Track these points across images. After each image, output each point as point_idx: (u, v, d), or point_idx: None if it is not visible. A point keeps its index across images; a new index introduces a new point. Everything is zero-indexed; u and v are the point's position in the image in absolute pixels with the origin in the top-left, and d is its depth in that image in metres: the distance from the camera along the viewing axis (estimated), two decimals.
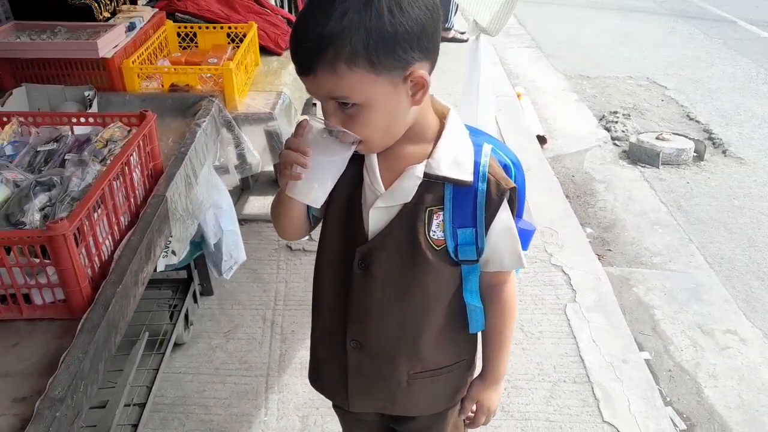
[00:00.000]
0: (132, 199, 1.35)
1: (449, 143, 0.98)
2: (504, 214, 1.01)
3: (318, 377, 1.26)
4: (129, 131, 1.43)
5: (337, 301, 1.10)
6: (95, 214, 1.16)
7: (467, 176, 0.97)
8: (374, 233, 1.02)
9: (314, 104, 3.64)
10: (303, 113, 3.25)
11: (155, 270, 1.64)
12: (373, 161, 0.99)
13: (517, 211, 1.05)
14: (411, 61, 0.87)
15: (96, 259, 1.17)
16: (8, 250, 1.04)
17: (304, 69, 0.88)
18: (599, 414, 1.98)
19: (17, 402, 0.94)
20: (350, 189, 1.01)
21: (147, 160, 1.44)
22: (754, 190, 3.58)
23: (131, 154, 1.32)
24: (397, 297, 1.05)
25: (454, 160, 0.98)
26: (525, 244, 1.13)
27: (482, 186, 0.98)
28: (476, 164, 0.98)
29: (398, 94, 0.89)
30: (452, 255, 1.01)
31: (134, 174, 1.36)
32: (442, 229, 0.99)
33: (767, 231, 3.18)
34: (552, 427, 1.93)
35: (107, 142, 1.37)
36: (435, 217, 0.99)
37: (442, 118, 1.01)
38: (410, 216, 0.99)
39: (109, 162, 1.30)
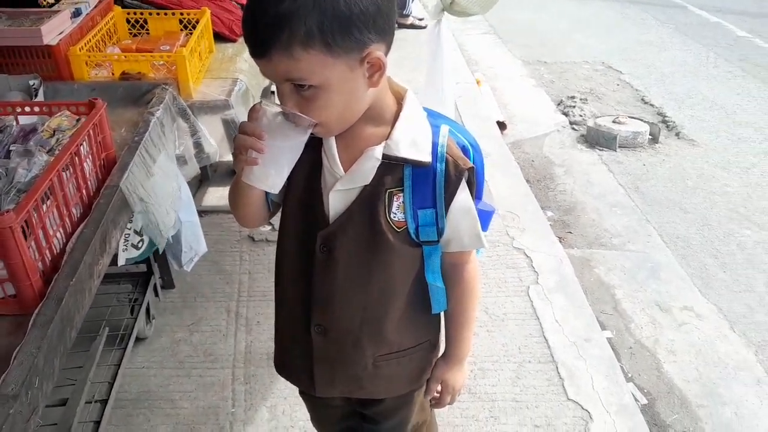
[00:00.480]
0: (84, 191, 1.30)
1: (407, 124, 0.98)
2: (463, 194, 1.01)
3: (284, 364, 1.25)
4: (78, 120, 1.38)
5: (300, 286, 1.09)
6: (44, 206, 1.12)
7: (425, 157, 0.97)
8: (335, 216, 1.01)
9: (273, 92, 3.59)
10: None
11: (116, 264, 1.60)
12: (331, 144, 0.98)
13: (476, 192, 1.06)
14: (367, 42, 0.85)
15: (47, 252, 1.12)
16: None
17: (258, 52, 0.85)
18: (564, 392, 2.02)
19: None
20: (309, 172, 1.00)
21: (99, 149, 1.39)
22: (706, 170, 3.68)
23: (81, 144, 1.27)
24: (360, 280, 1.05)
25: (412, 141, 0.97)
26: (485, 225, 1.14)
27: (441, 166, 0.98)
28: (434, 145, 0.98)
29: (355, 77, 0.88)
30: (413, 236, 1.01)
31: (85, 164, 1.31)
32: (403, 210, 0.99)
33: (719, 210, 3.28)
34: (518, 407, 1.96)
35: (54, 131, 1.31)
36: (395, 199, 0.99)
37: (400, 99, 1.00)
38: (370, 198, 0.98)
39: (57, 152, 1.25)
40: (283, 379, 1.29)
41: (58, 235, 1.18)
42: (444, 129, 1.00)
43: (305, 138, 0.91)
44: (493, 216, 1.17)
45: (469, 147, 1.06)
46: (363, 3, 0.82)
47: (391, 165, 0.97)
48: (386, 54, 0.90)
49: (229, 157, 2.99)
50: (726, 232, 3.08)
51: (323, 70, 0.84)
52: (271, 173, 0.93)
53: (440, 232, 1.02)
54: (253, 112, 0.91)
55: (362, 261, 1.03)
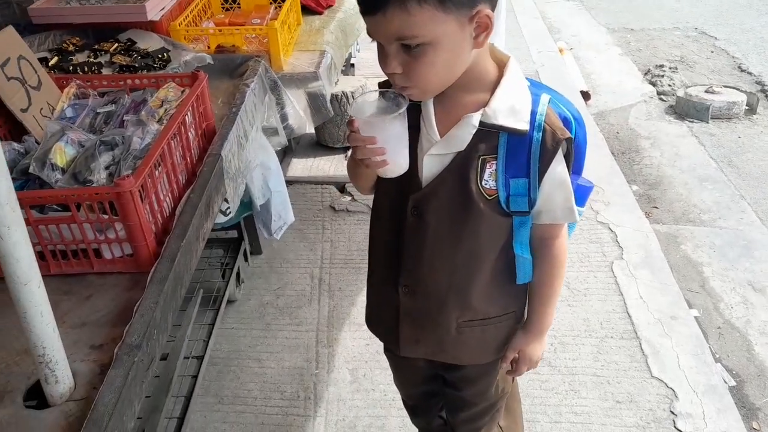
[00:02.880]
0: (188, 158, 1.38)
1: (507, 92, 0.98)
2: (559, 166, 1.00)
3: (373, 320, 1.30)
4: (183, 92, 1.46)
5: (391, 247, 1.13)
6: (156, 172, 1.20)
7: (523, 125, 0.97)
8: (428, 180, 1.03)
9: (352, 65, 3.63)
10: (343, 74, 3.24)
11: None
12: (429, 109, 1.00)
13: (575, 166, 1.04)
14: (478, 0, 0.86)
15: (159, 215, 1.21)
16: (78, 207, 1.09)
17: (372, 7, 0.87)
18: (647, 369, 1.98)
19: (95, 349, 0.99)
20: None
21: (200, 119, 1.47)
22: None
23: (186, 114, 1.35)
24: (449, 245, 1.07)
25: (510, 108, 0.97)
26: (582, 201, 1.13)
27: (537, 135, 0.97)
28: (533, 114, 0.98)
29: (463, 35, 0.89)
30: (504, 205, 1.01)
31: (189, 133, 1.39)
32: (495, 178, 1.00)
33: None
34: (599, 381, 1.94)
35: (162, 102, 1.40)
36: (488, 167, 0.99)
37: (502, 66, 1.00)
38: (463, 164, 1.00)
39: (165, 122, 1.33)
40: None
41: (167, 199, 1.26)
42: (545, 98, 1.00)
43: (404, 117, 0.94)
44: (591, 192, 1.15)
45: (572, 119, 1.04)
46: None
47: (487, 132, 0.98)
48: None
49: (311, 130, 3.06)
50: None
51: (435, 25, 0.86)
52: (399, 161, 0.98)
53: (531, 204, 1.01)
54: (350, 125, 0.96)
55: (452, 226, 1.05)
